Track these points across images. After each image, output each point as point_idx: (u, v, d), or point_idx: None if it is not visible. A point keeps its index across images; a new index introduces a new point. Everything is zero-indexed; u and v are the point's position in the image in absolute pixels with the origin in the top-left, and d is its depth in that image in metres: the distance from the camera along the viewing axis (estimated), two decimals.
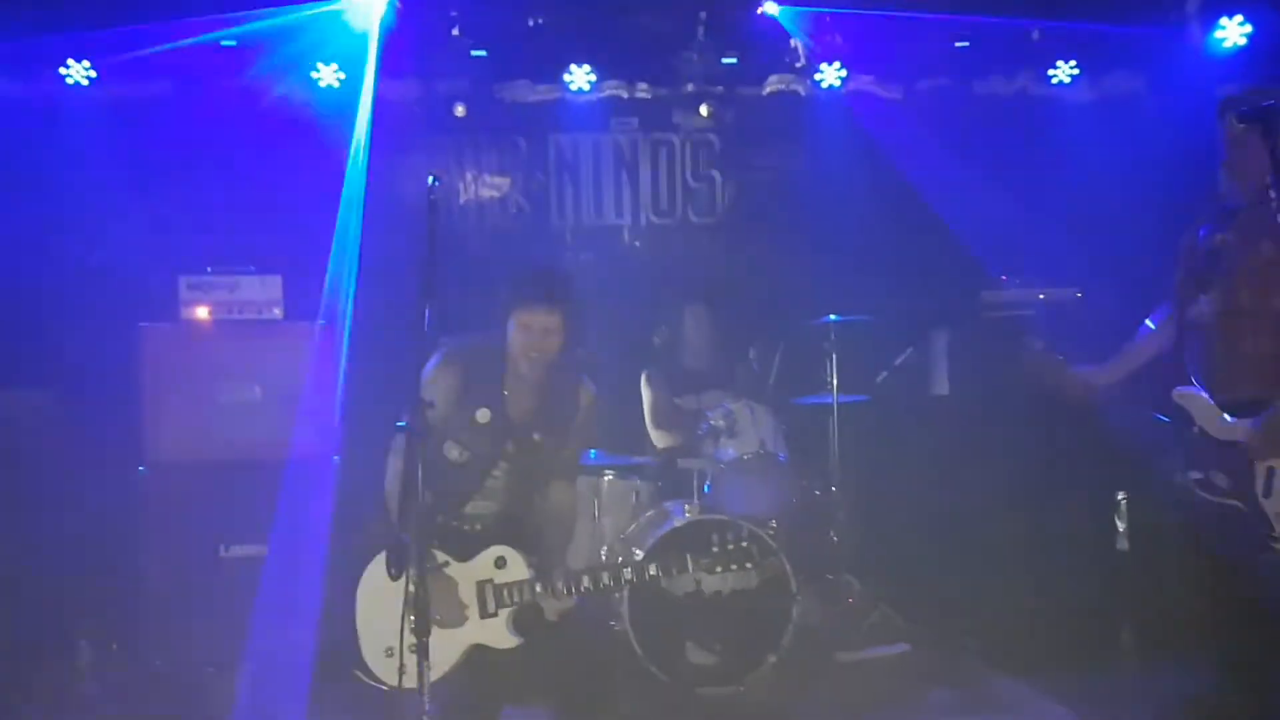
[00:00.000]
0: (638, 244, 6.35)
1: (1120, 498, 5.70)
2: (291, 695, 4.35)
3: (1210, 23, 5.56)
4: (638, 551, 4.57)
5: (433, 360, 3.37)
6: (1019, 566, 5.27)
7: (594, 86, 5.78)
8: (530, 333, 3.40)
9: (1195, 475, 3.74)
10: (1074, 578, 5.18)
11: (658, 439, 5.53)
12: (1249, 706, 3.64)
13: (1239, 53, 5.55)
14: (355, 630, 3.35)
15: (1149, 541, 5.36)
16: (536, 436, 3.50)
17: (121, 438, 4.86)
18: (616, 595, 4.42)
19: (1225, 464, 3.64)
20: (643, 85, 6.08)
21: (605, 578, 3.32)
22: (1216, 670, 3.82)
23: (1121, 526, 5.73)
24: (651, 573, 3.36)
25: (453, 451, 3.41)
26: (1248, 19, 5.50)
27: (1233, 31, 5.52)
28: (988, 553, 5.39)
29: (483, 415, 3.42)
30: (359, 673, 3.33)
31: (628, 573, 3.37)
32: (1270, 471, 3.50)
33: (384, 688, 3.28)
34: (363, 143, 5.44)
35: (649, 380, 5.56)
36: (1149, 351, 3.97)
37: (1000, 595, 5.24)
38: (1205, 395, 3.67)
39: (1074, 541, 5.35)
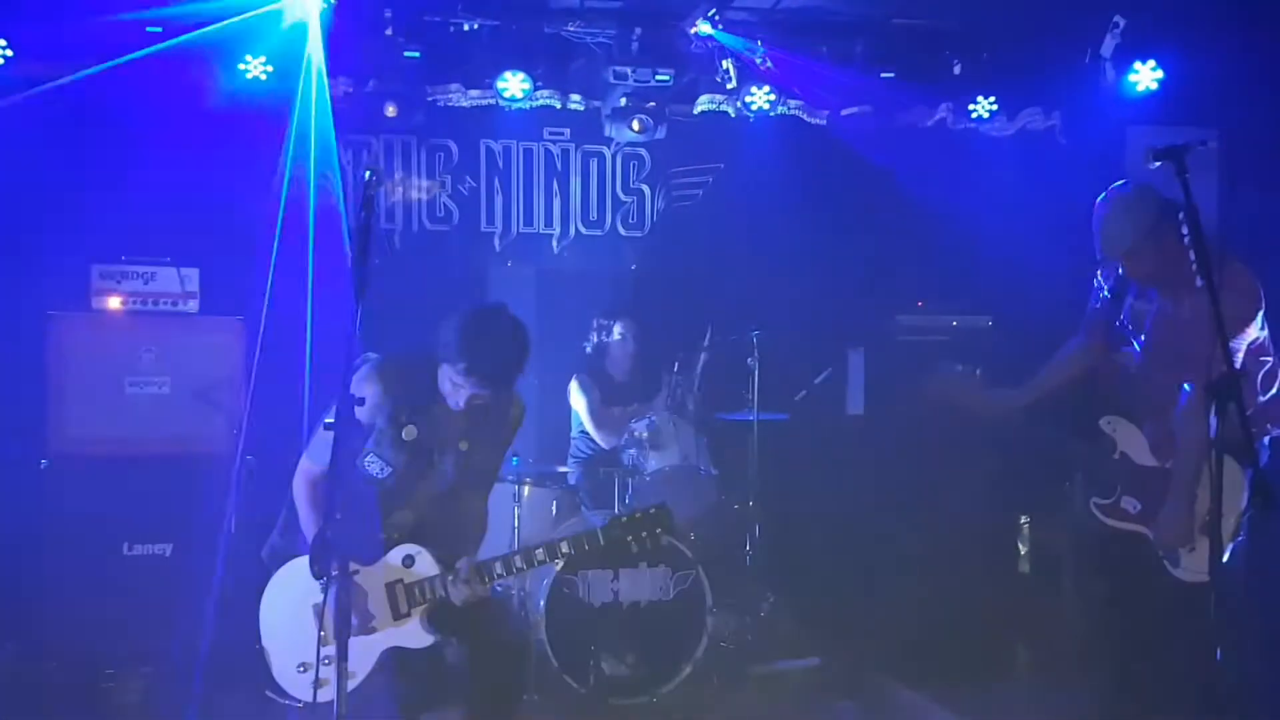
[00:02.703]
0: (566, 254, 6.36)
1: (1023, 521, 5.91)
2: (193, 700, 4.24)
3: (1124, 65, 5.80)
4: (557, 562, 4.56)
5: (361, 372, 3.29)
6: (926, 584, 5.40)
7: (527, 95, 5.78)
8: (460, 392, 3.29)
9: (1099, 500, 3.90)
10: (977, 596, 5.33)
11: (602, 439, 5.53)
12: None
13: (1150, 95, 5.81)
14: (262, 648, 3.29)
15: (1049, 564, 5.56)
16: (463, 446, 3.44)
17: (24, 429, 4.68)
18: (526, 589, 4.41)
19: (1141, 490, 3.79)
20: (575, 96, 6.09)
21: (518, 560, 3.26)
22: (1106, 690, 3.98)
23: (1024, 549, 5.94)
24: (565, 550, 3.29)
25: (374, 466, 3.32)
26: (1160, 64, 5.75)
27: (1145, 75, 5.76)
28: (896, 569, 5.52)
29: (409, 433, 3.34)
30: (270, 693, 3.27)
31: (540, 553, 3.30)
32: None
33: (299, 705, 3.22)
34: (289, 138, 5.35)
35: (581, 385, 5.57)
36: (1064, 377, 4.12)
37: (907, 611, 5.36)
38: (1130, 424, 3.83)
39: (979, 561, 5.51)
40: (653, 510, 3.32)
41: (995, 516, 5.61)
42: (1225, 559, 3.44)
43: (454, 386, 3.28)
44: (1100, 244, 3.69)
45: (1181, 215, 2.98)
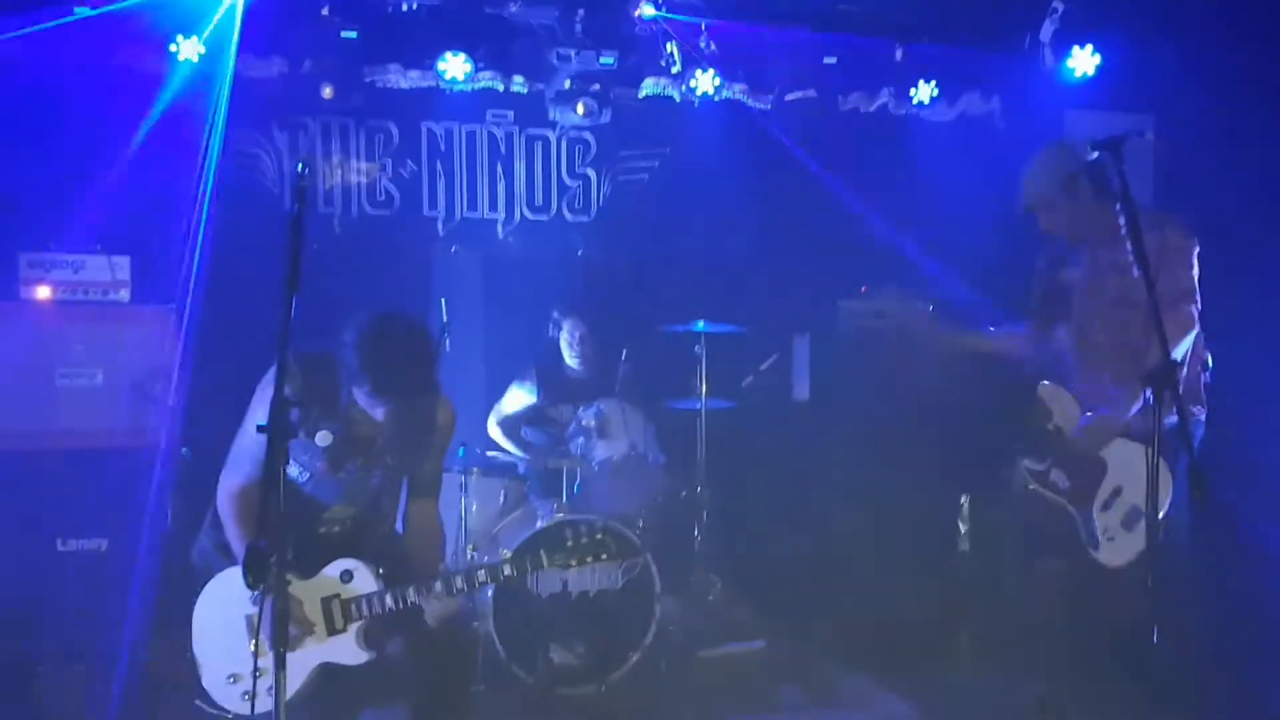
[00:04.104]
0: (511, 239, 6.29)
1: (963, 500, 5.99)
2: (127, 698, 4.16)
3: (1062, 51, 5.87)
4: (505, 551, 4.53)
5: (269, 374, 3.07)
6: (871, 566, 5.47)
7: (469, 77, 5.68)
8: (375, 408, 3.17)
9: (1031, 466, 3.96)
10: (919, 578, 5.40)
11: (499, 437, 5.48)
12: (1074, 705, 3.89)
13: (1089, 81, 5.88)
14: (193, 657, 3.22)
15: (988, 543, 5.64)
16: (390, 458, 3.33)
17: None
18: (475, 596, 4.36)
19: (1070, 466, 3.86)
20: (519, 78, 6.00)
21: (459, 581, 3.18)
22: (1047, 669, 4.06)
23: (964, 528, 6.02)
24: (507, 573, 3.24)
25: (291, 469, 3.13)
26: (1098, 49, 5.82)
27: (1083, 60, 5.83)
28: (841, 553, 5.58)
29: (323, 438, 3.21)
30: (200, 703, 3.20)
31: (482, 575, 3.23)
32: (1117, 490, 3.75)
33: (228, 716, 3.15)
34: (221, 121, 5.22)
35: (525, 388, 5.51)
36: (1005, 348, 4.19)
37: (851, 594, 5.42)
38: (1069, 395, 3.89)
39: (921, 542, 5.59)
40: (599, 537, 3.26)
41: (937, 497, 5.67)
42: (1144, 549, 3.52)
43: (368, 403, 3.18)
44: (1021, 198, 3.85)
45: (1116, 197, 3.04)
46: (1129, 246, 2.89)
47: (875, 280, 6.03)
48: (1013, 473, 4.19)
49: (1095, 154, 2.95)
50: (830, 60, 5.97)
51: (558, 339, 5.56)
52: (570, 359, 5.53)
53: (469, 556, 4.81)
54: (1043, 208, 3.92)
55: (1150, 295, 2.85)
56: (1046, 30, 5.86)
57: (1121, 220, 2.98)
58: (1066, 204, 3.84)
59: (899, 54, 5.99)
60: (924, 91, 6.05)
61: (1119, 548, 3.72)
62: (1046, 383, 3.96)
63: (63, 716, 4.19)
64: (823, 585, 5.46)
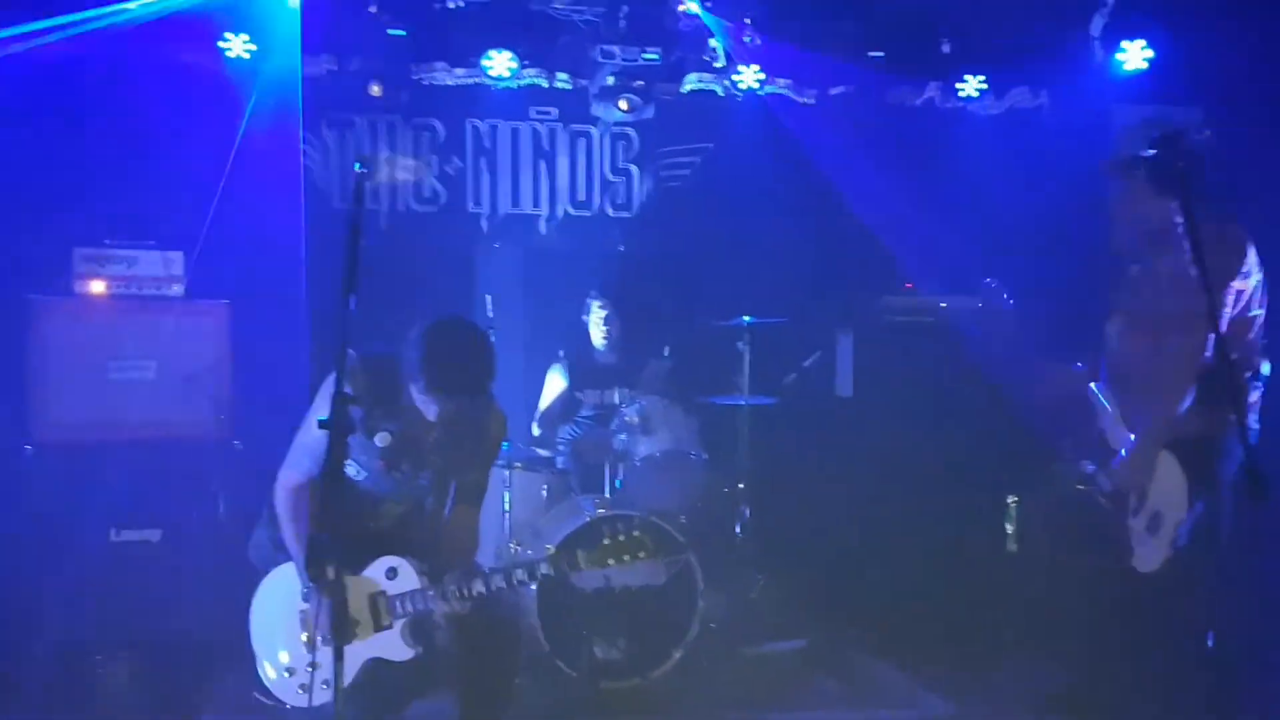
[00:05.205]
0: (554, 235, 6.31)
1: (1010, 501, 5.93)
2: (182, 688, 4.24)
3: (1112, 44, 5.79)
4: (547, 546, 4.56)
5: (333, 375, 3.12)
6: (914, 565, 5.43)
7: (513, 74, 5.71)
8: (429, 406, 3.23)
9: (1090, 466, 3.93)
10: (965, 577, 5.36)
11: (540, 427, 5.52)
12: (1114, 704, 3.85)
13: (1139, 74, 5.79)
14: (250, 650, 3.29)
15: (1036, 543, 5.58)
16: (440, 460, 3.38)
17: (7, 415, 4.62)
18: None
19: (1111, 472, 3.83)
20: (563, 75, 6.04)
21: (499, 580, 3.22)
22: (1087, 667, 4.03)
23: (1010, 529, 5.97)
24: (544, 571, 3.28)
25: (350, 468, 3.24)
26: (1150, 44, 5.73)
27: (1134, 54, 5.75)
28: (885, 551, 5.54)
29: (382, 439, 3.27)
30: (258, 694, 3.27)
31: (520, 574, 3.27)
32: (1143, 496, 3.72)
33: (285, 708, 3.22)
34: (273, 118, 5.29)
35: (559, 371, 5.55)
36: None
37: (895, 592, 5.38)
38: (1112, 407, 3.86)
39: (966, 541, 5.54)
40: (636, 534, 3.27)
41: (983, 496, 5.62)
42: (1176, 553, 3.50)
43: (422, 401, 3.25)
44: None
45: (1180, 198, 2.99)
46: (1186, 245, 2.85)
47: (920, 278, 6.03)
48: (1061, 472, 4.15)
49: (1153, 151, 2.91)
50: (876, 54, 5.92)
51: (587, 322, 5.59)
52: (597, 340, 5.56)
53: (512, 551, 4.85)
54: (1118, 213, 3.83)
55: (1207, 295, 2.80)
56: (1096, 24, 5.78)
57: (1180, 219, 2.94)
58: (1125, 194, 3.76)
59: (945, 47, 5.93)
60: (971, 85, 5.99)
61: (1149, 553, 3.69)
62: (1097, 384, 3.92)
63: (117, 706, 4.25)
64: (866, 583, 5.42)
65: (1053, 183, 5.72)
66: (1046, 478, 5.14)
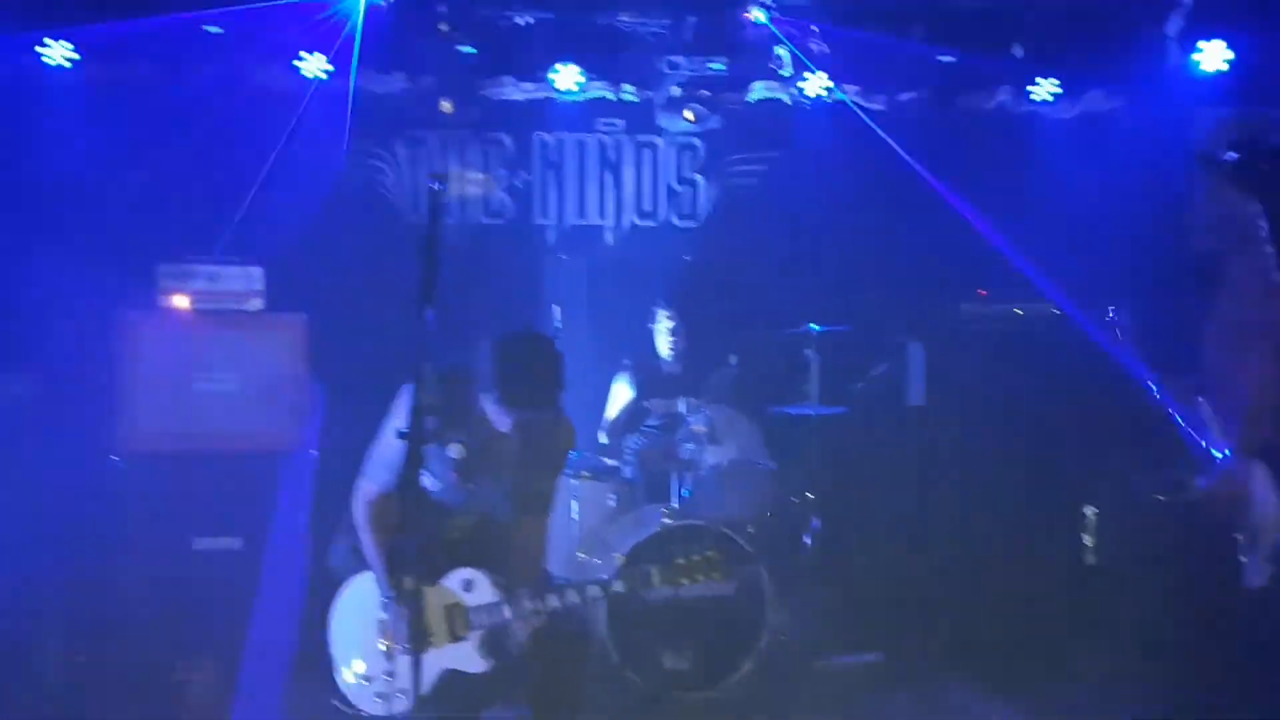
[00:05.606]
0: (620, 246, 6.34)
1: (1089, 512, 5.80)
2: (262, 694, 4.32)
3: (1190, 45, 5.65)
4: (616, 555, 4.58)
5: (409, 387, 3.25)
6: (989, 577, 5.33)
7: (580, 87, 5.77)
8: (501, 417, 3.32)
9: (1186, 477, 3.83)
10: (1042, 591, 5.25)
11: (608, 435, 5.54)
12: None
13: (1219, 75, 5.64)
14: (329, 657, 3.36)
15: (1117, 557, 5.45)
16: (511, 471, 3.44)
17: (95, 427, 4.77)
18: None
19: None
20: (628, 87, 6.08)
21: (572, 595, 3.29)
22: (1172, 686, 3.91)
23: (1089, 541, 5.83)
24: (617, 589, 3.35)
25: (425, 480, 3.22)
26: (1229, 44, 5.58)
27: (1213, 55, 5.60)
28: (959, 563, 5.45)
29: (456, 451, 3.34)
30: (337, 702, 3.34)
31: (594, 590, 3.35)
32: (1240, 508, 3.61)
33: (362, 715, 3.27)
34: (346, 135, 5.41)
35: (624, 381, 5.57)
36: None
37: (969, 606, 5.29)
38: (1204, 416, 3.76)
39: (1043, 554, 5.43)
40: (710, 555, 3.36)
41: (1060, 508, 5.50)
42: None
43: (496, 413, 3.32)
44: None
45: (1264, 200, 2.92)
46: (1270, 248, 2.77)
47: (994, 284, 5.93)
48: (1144, 483, 4.05)
49: (1234, 155, 2.83)
50: (946, 58, 5.85)
51: (654, 331, 5.60)
52: (664, 350, 5.57)
53: (579, 561, 4.87)
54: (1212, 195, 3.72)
55: None
56: (1174, 24, 5.64)
57: (1263, 222, 2.86)
58: (1207, 196, 3.67)
59: (1018, 50, 5.84)
60: (1044, 89, 5.89)
61: (1252, 568, 3.57)
62: (1202, 399, 3.82)
63: (198, 714, 4.35)
64: (939, 596, 5.34)
65: (1129, 187, 5.61)
66: (1128, 489, 5.04)
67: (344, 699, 3.32)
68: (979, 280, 5.95)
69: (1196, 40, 5.63)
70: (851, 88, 6.04)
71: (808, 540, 5.38)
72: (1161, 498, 3.87)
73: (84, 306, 4.92)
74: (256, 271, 4.86)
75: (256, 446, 4.68)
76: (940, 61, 5.89)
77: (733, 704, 4.58)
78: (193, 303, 4.84)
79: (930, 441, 5.73)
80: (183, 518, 4.70)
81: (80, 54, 5.22)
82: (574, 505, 5.00)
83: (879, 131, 5.94)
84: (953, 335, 5.83)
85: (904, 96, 6.08)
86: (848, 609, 5.34)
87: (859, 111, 5.98)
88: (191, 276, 4.85)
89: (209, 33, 5.24)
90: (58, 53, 5.19)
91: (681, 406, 5.39)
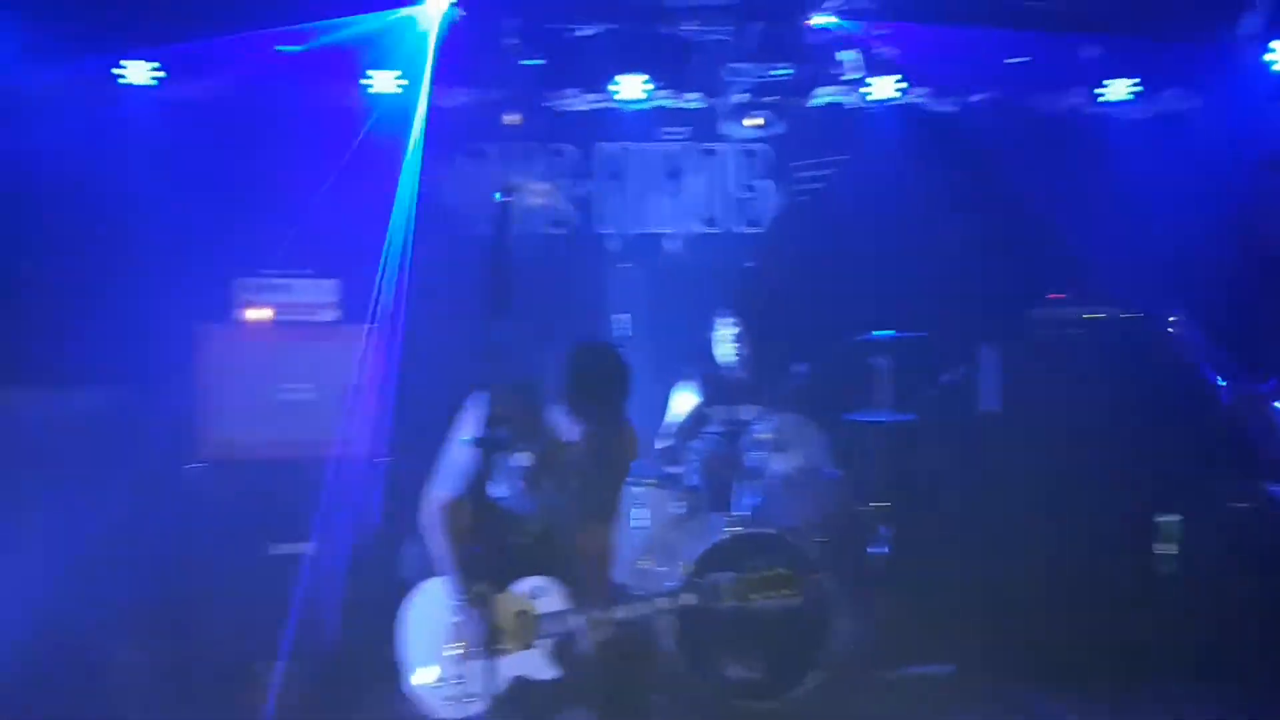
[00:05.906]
0: (682, 253, 6.34)
1: (1166, 520, 5.65)
2: (334, 696, 4.41)
3: (1265, 43, 5.50)
4: (681, 564, 4.57)
5: (479, 398, 3.22)
6: (1064, 587, 5.22)
7: (647, 96, 5.80)
8: (569, 427, 3.35)
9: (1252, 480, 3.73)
10: (1118, 600, 5.13)
11: (676, 439, 5.53)
12: None
13: None
14: (399, 661, 3.41)
15: (1197, 566, 5.30)
16: (578, 479, 3.47)
17: (176, 435, 4.92)
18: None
19: None
20: (692, 95, 6.09)
21: (641, 606, 3.35)
22: (1253, 694, 3.80)
23: (1166, 549, 5.68)
24: (685, 601, 3.38)
25: (495, 487, 3.32)
26: None
27: None
28: (1032, 572, 5.34)
29: (524, 459, 3.39)
30: (407, 705, 3.39)
31: (663, 603, 3.39)
32: None
33: (434, 718, 3.32)
34: (415, 148, 5.51)
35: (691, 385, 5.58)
36: None
37: (1044, 616, 5.18)
38: None
39: (1120, 563, 5.30)
40: (780, 571, 3.39)
41: (1138, 516, 5.37)
42: None
43: (564, 422, 3.36)
44: None
45: None
46: None
47: (1069, 288, 5.81)
48: (1222, 491, 3.94)
49: None
50: (1017, 59, 5.76)
51: (718, 338, 5.59)
52: (728, 357, 5.55)
53: (643, 568, 4.88)
54: None
55: None
56: (1250, 23, 5.49)
57: None
58: None
59: (1092, 50, 5.74)
60: (1119, 88, 5.77)
61: None
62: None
63: (275, 714, 4.44)
64: (1012, 606, 5.23)
65: (1204, 187, 5.47)
66: (1205, 495, 4.90)
67: (414, 702, 3.36)
68: (1051, 284, 5.84)
69: (1271, 38, 5.48)
70: (920, 90, 5.98)
71: (880, 549, 5.31)
72: (1239, 505, 3.75)
73: (165, 320, 5.08)
74: (330, 283, 4.98)
75: (327, 453, 4.79)
76: (1011, 62, 5.80)
77: (800, 715, 4.54)
78: (268, 315, 4.97)
79: (1003, 448, 5.63)
80: (260, 523, 4.83)
81: (166, 72, 5.38)
82: (638, 513, 5.00)
83: (947, 134, 5.88)
84: (1025, 340, 5.72)
85: (975, 97, 6.00)
86: (918, 619, 5.26)
87: (928, 113, 5.92)
88: (267, 289, 4.99)
89: (283, 52, 5.38)
90: (140, 73, 5.37)
91: (746, 414, 5.37)
